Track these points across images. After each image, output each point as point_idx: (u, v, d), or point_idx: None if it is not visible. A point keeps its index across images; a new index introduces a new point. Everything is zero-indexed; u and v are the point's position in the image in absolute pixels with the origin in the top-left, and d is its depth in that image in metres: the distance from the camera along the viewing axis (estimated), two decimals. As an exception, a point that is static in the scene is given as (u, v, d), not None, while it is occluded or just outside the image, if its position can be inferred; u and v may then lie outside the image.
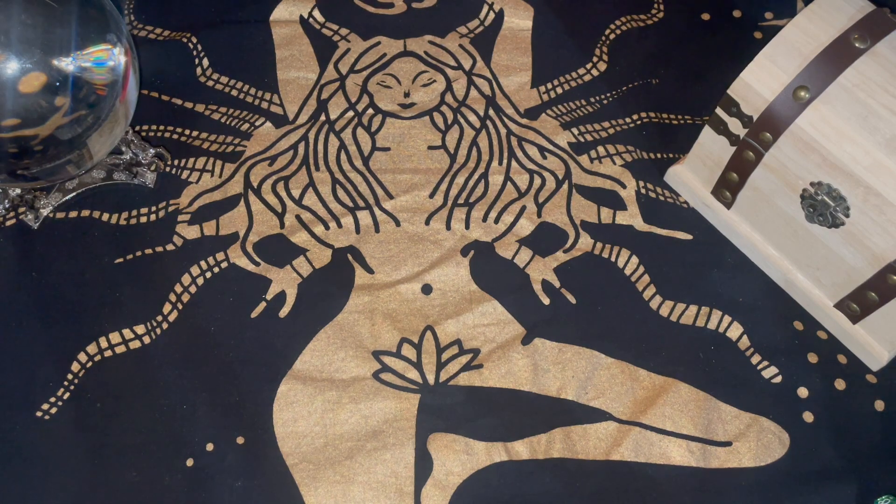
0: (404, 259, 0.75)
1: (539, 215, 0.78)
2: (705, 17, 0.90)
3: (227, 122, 0.83)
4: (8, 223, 0.77)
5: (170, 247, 0.76)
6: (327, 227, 0.77)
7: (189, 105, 0.84)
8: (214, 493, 0.65)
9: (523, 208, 0.78)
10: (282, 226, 0.77)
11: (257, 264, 0.75)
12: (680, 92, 0.85)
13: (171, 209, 0.78)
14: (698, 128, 0.73)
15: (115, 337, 0.71)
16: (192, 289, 0.73)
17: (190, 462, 0.66)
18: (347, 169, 0.80)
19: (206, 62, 0.86)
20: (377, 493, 0.65)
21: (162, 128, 0.82)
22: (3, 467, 0.66)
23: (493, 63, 0.87)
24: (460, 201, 0.78)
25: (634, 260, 0.75)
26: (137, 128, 0.82)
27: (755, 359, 0.72)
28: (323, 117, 0.83)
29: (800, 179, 0.66)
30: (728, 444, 0.68)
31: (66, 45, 0.65)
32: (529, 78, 0.86)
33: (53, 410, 0.68)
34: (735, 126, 0.68)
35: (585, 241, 0.77)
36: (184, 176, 0.79)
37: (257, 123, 0.83)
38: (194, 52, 0.86)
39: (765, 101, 0.65)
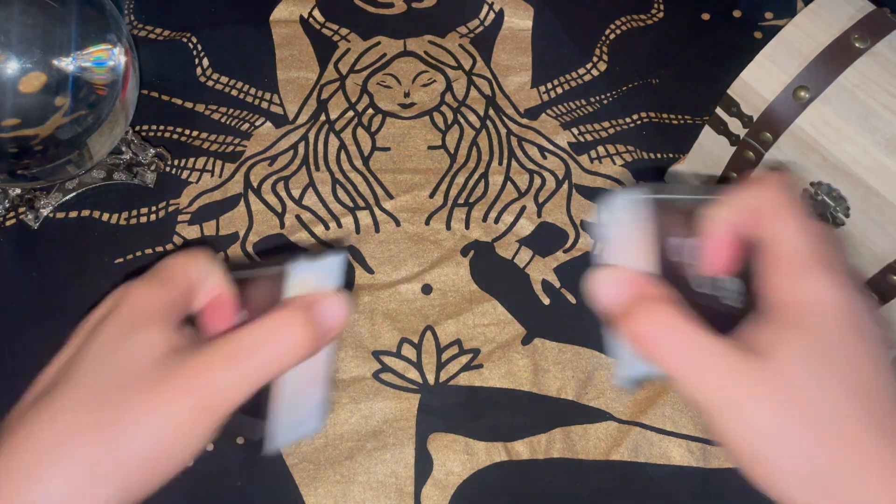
0: (404, 259, 0.75)
1: (539, 215, 0.78)
2: (705, 17, 0.91)
3: (227, 122, 0.83)
4: (8, 223, 0.77)
5: (170, 247, 0.76)
6: (327, 227, 0.77)
7: (189, 105, 0.84)
8: (214, 493, 0.65)
9: (523, 208, 0.78)
10: (282, 226, 0.77)
11: (257, 264, 0.75)
12: (680, 92, 0.85)
13: (171, 209, 0.78)
14: (698, 128, 0.73)
15: (115, 337, 0.71)
16: (193, 289, 0.73)
17: (190, 462, 0.66)
18: (347, 169, 0.80)
19: (206, 62, 0.86)
20: (377, 493, 0.65)
21: (162, 128, 0.82)
22: (3, 467, 0.66)
23: (493, 63, 0.87)
24: (460, 201, 0.78)
25: (634, 260, 0.75)
26: (137, 128, 0.82)
27: (755, 359, 0.72)
28: (323, 117, 0.83)
29: (800, 179, 0.66)
30: (728, 444, 0.68)
31: (66, 45, 0.65)
32: (529, 78, 0.86)
33: (53, 410, 0.68)
34: (735, 126, 0.68)
35: (585, 241, 0.77)
36: (184, 176, 0.80)
37: (257, 123, 0.83)
38: (194, 52, 0.86)
39: (765, 101, 0.65)
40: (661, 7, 0.91)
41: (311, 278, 0.39)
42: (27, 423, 0.37)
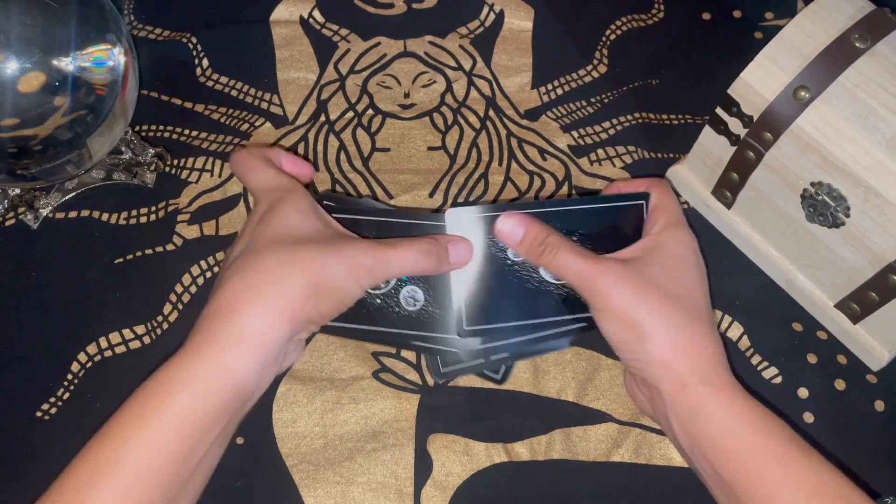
0: (404, 259, 0.75)
1: (539, 216, 0.78)
2: (705, 16, 0.90)
3: (227, 123, 0.83)
4: (7, 223, 0.77)
5: (170, 247, 0.75)
6: (327, 228, 0.77)
7: (189, 105, 0.84)
8: (214, 493, 0.65)
9: (523, 209, 0.78)
10: (282, 226, 0.77)
11: (257, 264, 0.75)
12: (680, 92, 0.85)
13: (170, 209, 0.77)
14: (698, 128, 0.73)
15: (115, 337, 0.71)
16: (193, 289, 0.73)
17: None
18: (347, 169, 0.80)
19: (205, 62, 0.86)
20: (377, 493, 0.65)
21: (161, 128, 0.82)
22: (2, 467, 0.66)
23: (494, 64, 0.87)
24: (460, 199, 0.78)
25: (634, 260, 0.75)
26: (137, 128, 0.82)
27: (755, 359, 0.72)
28: (323, 118, 0.83)
29: (800, 179, 0.66)
30: (728, 444, 0.67)
31: (66, 44, 0.65)
32: (530, 79, 0.86)
33: (53, 410, 0.68)
34: (735, 126, 0.68)
35: (585, 242, 0.76)
36: (183, 176, 0.79)
37: (257, 124, 0.82)
38: (194, 52, 0.86)
39: (765, 101, 0.65)
40: (662, 7, 0.91)
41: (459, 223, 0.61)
42: (236, 272, 0.53)
